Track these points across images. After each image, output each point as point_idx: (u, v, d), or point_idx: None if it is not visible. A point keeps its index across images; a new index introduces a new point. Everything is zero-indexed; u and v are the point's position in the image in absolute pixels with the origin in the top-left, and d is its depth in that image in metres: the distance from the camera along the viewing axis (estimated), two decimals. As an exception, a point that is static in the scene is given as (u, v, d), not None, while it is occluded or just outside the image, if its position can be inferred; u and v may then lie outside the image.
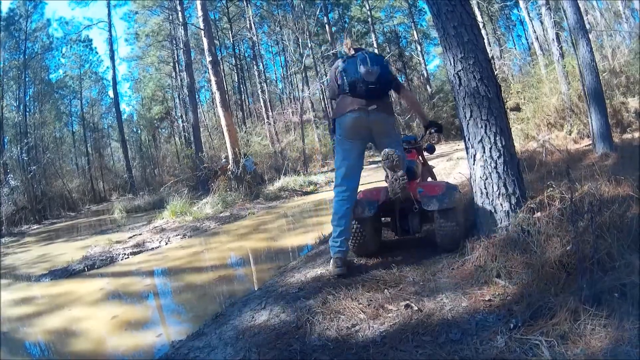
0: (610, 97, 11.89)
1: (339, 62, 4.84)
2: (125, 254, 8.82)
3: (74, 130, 44.69)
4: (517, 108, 17.63)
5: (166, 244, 9.69)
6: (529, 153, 10.47)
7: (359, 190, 4.92)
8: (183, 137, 37.67)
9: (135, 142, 48.38)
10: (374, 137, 4.84)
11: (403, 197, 4.54)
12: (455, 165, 15.15)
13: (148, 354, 3.96)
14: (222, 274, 6.48)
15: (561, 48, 16.15)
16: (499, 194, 4.35)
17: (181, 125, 37.48)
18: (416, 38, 44.17)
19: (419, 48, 44.32)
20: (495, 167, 4.35)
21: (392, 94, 5.48)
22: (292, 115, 29.89)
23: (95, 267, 8.09)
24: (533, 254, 3.68)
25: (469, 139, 4.57)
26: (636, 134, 12.64)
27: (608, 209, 3.78)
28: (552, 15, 16.20)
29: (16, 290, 7.44)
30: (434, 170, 6.86)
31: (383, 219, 5.35)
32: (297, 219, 11.05)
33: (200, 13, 17.63)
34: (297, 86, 36.72)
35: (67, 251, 10.28)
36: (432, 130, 5.53)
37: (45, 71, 39.00)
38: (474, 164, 4.57)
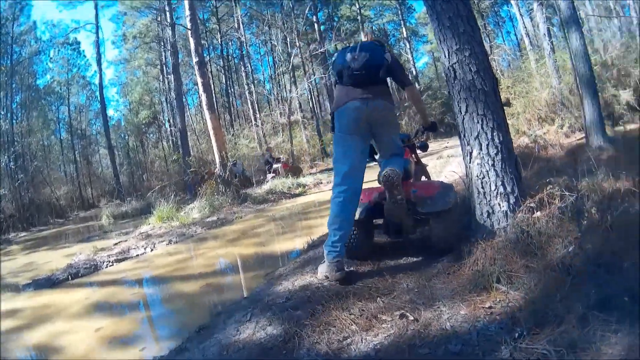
0: (602, 89, 11.82)
1: (336, 54, 4.81)
2: (109, 261, 8.60)
3: (61, 137, 44.19)
4: (507, 103, 17.54)
5: (151, 250, 9.45)
6: (521, 149, 10.40)
7: None
8: (171, 142, 37.52)
9: (123, 147, 47.92)
10: (372, 130, 4.54)
11: (398, 220, 4.43)
12: (445, 163, 14.85)
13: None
14: (208, 282, 6.28)
15: (552, 43, 16.39)
16: (497, 193, 4.15)
17: (169, 129, 37.29)
18: (405, 35, 44.14)
19: (407, 45, 44.28)
20: (493, 165, 4.15)
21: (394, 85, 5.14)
22: (280, 116, 29.67)
23: (80, 275, 7.89)
24: (534, 256, 3.51)
25: (464, 136, 4.37)
26: (628, 127, 12.60)
27: (611, 206, 3.63)
28: (543, 10, 16.29)
29: (-3, 301, 7.19)
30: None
31: (375, 220, 4.96)
32: (286, 222, 10.79)
33: (187, 12, 17.27)
34: (285, 86, 36.57)
35: (53, 259, 10.06)
36: (423, 130, 5.45)
37: (32, 77, 38.53)
38: (470, 162, 4.37)
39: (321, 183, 18.40)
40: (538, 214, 3.86)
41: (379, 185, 4.51)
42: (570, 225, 3.58)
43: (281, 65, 33.50)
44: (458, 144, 4.65)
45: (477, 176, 4.26)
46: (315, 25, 38.15)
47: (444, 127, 32.01)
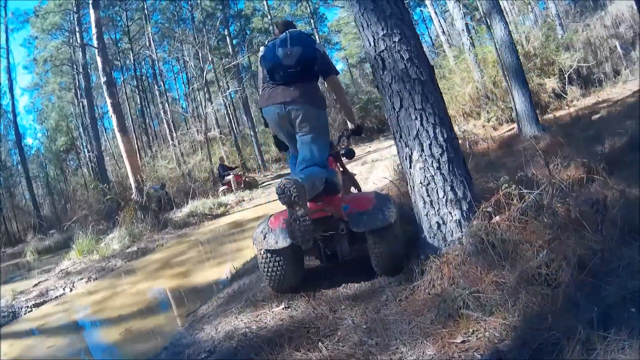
0: (528, 79, 11.60)
1: (261, 48, 4.34)
2: (28, 306, 7.83)
3: None
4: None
5: (71, 290, 8.66)
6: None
7: (270, 216, 4.14)
8: (91, 168, 36.30)
9: (44, 177, 46.05)
10: (294, 130, 4.14)
11: (304, 244, 3.48)
12: (371, 168, 14.69)
13: None
14: (128, 326, 5.58)
15: (471, 38, 16.57)
16: (446, 200, 3.58)
17: (87, 155, 36.05)
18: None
19: None
20: (439, 168, 3.57)
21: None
22: (197, 134, 28.88)
23: None
24: (502, 268, 2.98)
25: (401, 137, 3.73)
26: (557, 114, 12.58)
27: (578, 198, 3.24)
28: (460, 7, 16.55)
29: None
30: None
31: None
32: (208, 247, 10.31)
33: (94, 29, 16.30)
34: (200, 103, 35.87)
35: (-27, 308, 9.37)
36: (348, 134, 4.92)
37: None
38: (410, 167, 3.74)
39: (243, 201, 17.57)
40: (497, 218, 3.35)
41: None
42: (536, 227, 3.11)
43: (195, 82, 32.70)
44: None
45: (421, 183, 3.66)
46: (227, 38, 37.66)
47: (364, 131, 31.80)
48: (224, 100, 34.94)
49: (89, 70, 25.17)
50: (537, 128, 9.54)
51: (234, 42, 39.60)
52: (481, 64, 15.53)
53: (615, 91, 14.33)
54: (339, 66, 55.01)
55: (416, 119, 3.59)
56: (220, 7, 36.62)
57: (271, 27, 37.98)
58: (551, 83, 14.33)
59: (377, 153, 17.57)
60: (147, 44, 33.35)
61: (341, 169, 4.92)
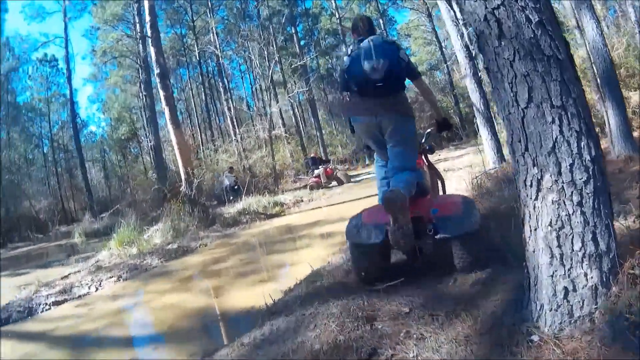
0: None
1: (345, 58, 4.32)
2: (47, 303, 7.26)
3: (44, 151, 42.97)
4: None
5: (96, 290, 8.00)
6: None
7: (363, 210, 4.22)
8: (151, 157, 36.26)
9: (107, 162, 47.67)
10: (385, 137, 4.21)
11: (404, 249, 3.93)
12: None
13: None
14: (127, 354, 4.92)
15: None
16: (583, 255, 2.19)
17: (148, 144, 35.93)
18: None
19: None
20: (581, 203, 2.15)
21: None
22: (262, 131, 28.17)
23: (10, 321, 6.71)
24: None
25: (526, 149, 2.28)
26: None
27: None
28: None
29: None
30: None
31: None
32: (252, 256, 9.21)
33: (147, 18, 15.41)
34: (265, 102, 35.28)
35: (3, 290, 8.73)
36: (435, 131, 4.91)
37: (12, 94, 37.41)
38: (536, 198, 2.31)
39: (302, 201, 16.48)
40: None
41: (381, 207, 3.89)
42: None
43: (261, 80, 32.04)
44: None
45: (551, 225, 2.25)
46: (295, 37, 37.00)
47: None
48: (290, 101, 34.54)
49: (149, 63, 24.42)
50: (632, 148, 7.98)
51: (302, 42, 38.99)
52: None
53: None
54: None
55: (553, 122, 2.18)
56: (287, 3, 35.74)
57: (339, 28, 36.98)
58: (636, 97, 12.02)
59: (448, 162, 16.23)
60: (212, 39, 32.94)
61: (427, 166, 5.06)
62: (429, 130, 5.07)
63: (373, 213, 4.03)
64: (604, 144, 10.28)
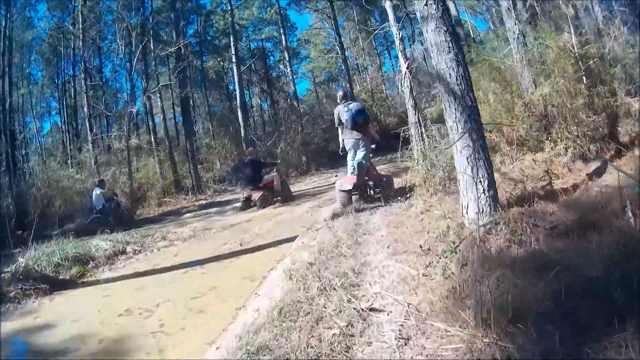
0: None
1: (341, 107, 9.20)
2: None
3: None
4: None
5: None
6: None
7: (341, 177, 10.74)
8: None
9: None
10: (359, 148, 9.19)
11: (359, 193, 9.44)
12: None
13: None
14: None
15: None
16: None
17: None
18: (286, 57, 37.07)
19: (288, 69, 37.37)
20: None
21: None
22: (116, 140, 21.72)
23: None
24: None
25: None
26: None
27: None
28: None
29: None
30: None
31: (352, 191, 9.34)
32: None
33: None
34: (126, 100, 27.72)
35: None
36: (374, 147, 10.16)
37: None
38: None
39: (122, 254, 8.95)
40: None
41: (351, 176, 9.11)
42: None
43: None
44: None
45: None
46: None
47: (326, 156, 24.85)
48: (158, 100, 26.67)
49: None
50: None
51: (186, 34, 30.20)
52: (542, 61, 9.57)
53: None
54: (304, 86, 53.78)
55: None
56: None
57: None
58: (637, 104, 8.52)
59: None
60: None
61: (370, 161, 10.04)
62: (372, 145, 9.61)
63: (346, 178, 9.22)
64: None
